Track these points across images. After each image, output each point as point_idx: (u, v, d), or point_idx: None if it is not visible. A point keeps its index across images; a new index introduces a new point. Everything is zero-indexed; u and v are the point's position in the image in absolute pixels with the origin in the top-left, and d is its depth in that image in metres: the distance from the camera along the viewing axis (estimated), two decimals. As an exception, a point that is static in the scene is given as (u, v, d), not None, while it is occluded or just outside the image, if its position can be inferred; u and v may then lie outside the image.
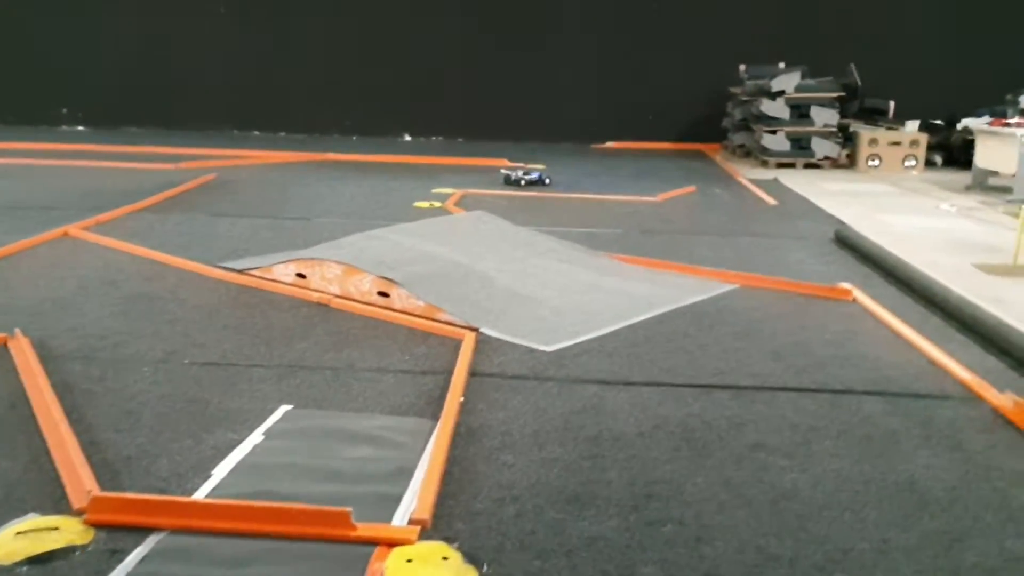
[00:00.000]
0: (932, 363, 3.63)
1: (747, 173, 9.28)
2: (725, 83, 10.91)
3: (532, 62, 11.46)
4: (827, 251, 5.73)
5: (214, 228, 5.93)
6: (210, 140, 10.65)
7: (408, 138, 11.79)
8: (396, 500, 2.42)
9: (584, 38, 11.36)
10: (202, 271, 4.74)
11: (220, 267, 4.79)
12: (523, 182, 8.10)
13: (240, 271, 4.71)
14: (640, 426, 2.96)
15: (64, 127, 11.93)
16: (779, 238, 6.12)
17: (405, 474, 2.55)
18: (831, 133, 9.75)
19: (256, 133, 11.81)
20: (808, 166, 9.78)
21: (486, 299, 4.22)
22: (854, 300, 4.56)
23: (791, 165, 9.75)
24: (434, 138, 11.78)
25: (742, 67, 10.59)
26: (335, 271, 4.36)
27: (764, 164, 9.79)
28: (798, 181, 8.76)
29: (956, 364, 3.57)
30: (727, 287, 4.76)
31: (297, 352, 3.57)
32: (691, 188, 8.11)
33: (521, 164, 9.30)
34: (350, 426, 2.88)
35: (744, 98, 10.37)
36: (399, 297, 4.14)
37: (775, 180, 8.81)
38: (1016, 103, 9.34)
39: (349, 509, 2.25)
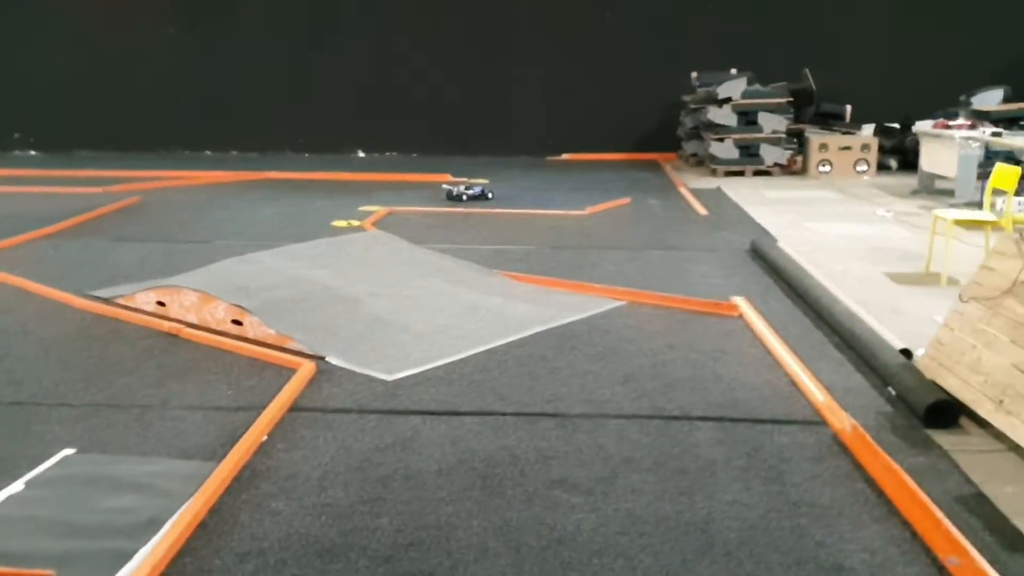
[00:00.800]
0: (792, 384, 3.43)
1: (691, 183, 9.09)
2: (680, 91, 10.72)
3: (485, 76, 11.30)
4: (738, 263, 5.53)
5: (108, 254, 5.76)
6: (159, 161, 10.50)
7: (362, 155, 11.63)
8: (127, 558, 2.23)
9: (537, 50, 11.19)
10: (68, 301, 4.57)
11: (87, 296, 4.61)
12: (465, 197, 7.92)
13: (105, 300, 4.54)
14: (442, 462, 2.77)
15: (16, 152, 11.80)
16: (693, 251, 5.92)
17: (154, 527, 2.37)
18: (780, 139, 9.55)
19: (208, 153, 11.66)
20: (758, 173, 9.57)
21: (345, 325, 4.04)
22: (740, 316, 4.35)
23: (740, 173, 9.55)
24: (388, 154, 11.62)
25: (694, 74, 10.40)
26: (192, 299, 4.18)
27: (713, 172, 9.59)
28: (741, 190, 8.56)
29: (815, 385, 3.37)
30: (613, 304, 4.57)
31: (115, 389, 3.39)
32: (626, 200, 7.92)
33: (464, 179, 9.13)
34: (122, 473, 2.69)
35: (694, 106, 10.18)
36: (252, 325, 3.96)
37: (717, 189, 8.61)
38: (969, 104, 9.11)
39: (51, 573, 2.06)
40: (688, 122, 10.42)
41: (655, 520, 2.42)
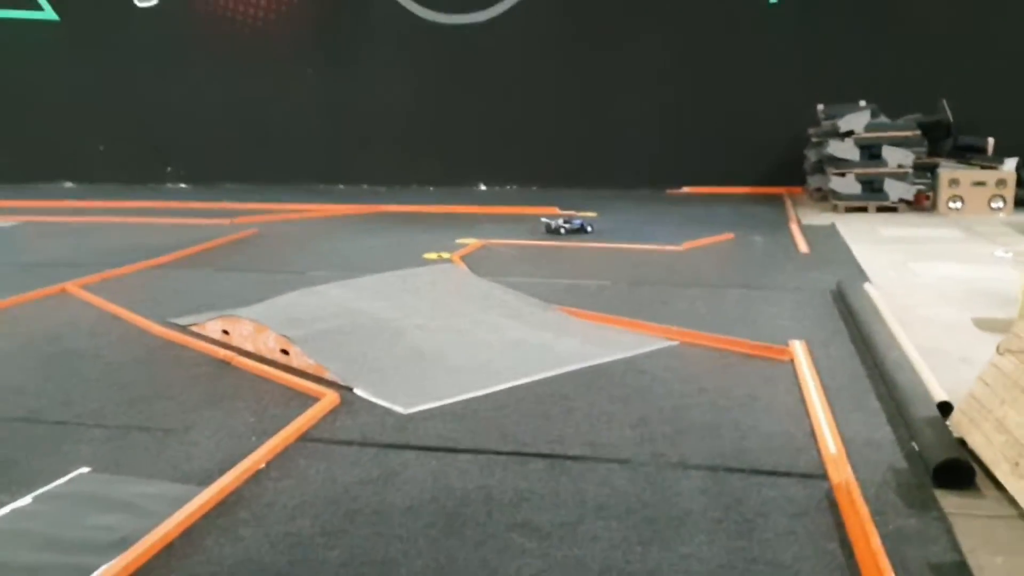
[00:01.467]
0: (811, 434, 3.28)
1: (807, 218, 8.78)
2: (809, 123, 10.41)
3: (607, 107, 11.32)
4: (817, 305, 5.31)
5: (208, 283, 6.13)
6: (292, 194, 11.04)
7: (483, 188, 11.86)
8: (87, 574, 2.38)
9: (661, 80, 11.12)
10: (147, 327, 4.89)
11: (167, 323, 4.93)
12: (563, 231, 7.97)
13: (181, 327, 4.83)
14: (415, 499, 2.82)
15: (168, 184, 12.70)
16: (775, 290, 5.73)
17: (121, 546, 2.52)
18: (907, 174, 9.09)
19: (340, 187, 12.19)
20: (882, 209, 9.14)
21: (385, 356, 4.16)
22: (791, 361, 4.19)
23: (863, 209, 9.15)
24: (508, 187, 11.80)
25: (820, 107, 10.07)
26: (248, 328, 4.40)
27: (834, 208, 9.24)
28: (857, 227, 8.21)
29: (833, 436, 3.22)
30: (664, 344, 4.50)
31: (151, 412, 3.62)
32: (728, 236, 7.74)
33: (571, 212, 9.18)
34: (118, 492, 2.88)
35: (816, 139, 9.85)
36: (296, 355, 4.13)
37: (831, 226, 8.28)
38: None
39: (3, 580, 2.24)
40: (811, 156, 10.09)
41: (599, 570, 2.38)
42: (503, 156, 11.69)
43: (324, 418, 3.50)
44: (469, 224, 8.65)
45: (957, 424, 3.16)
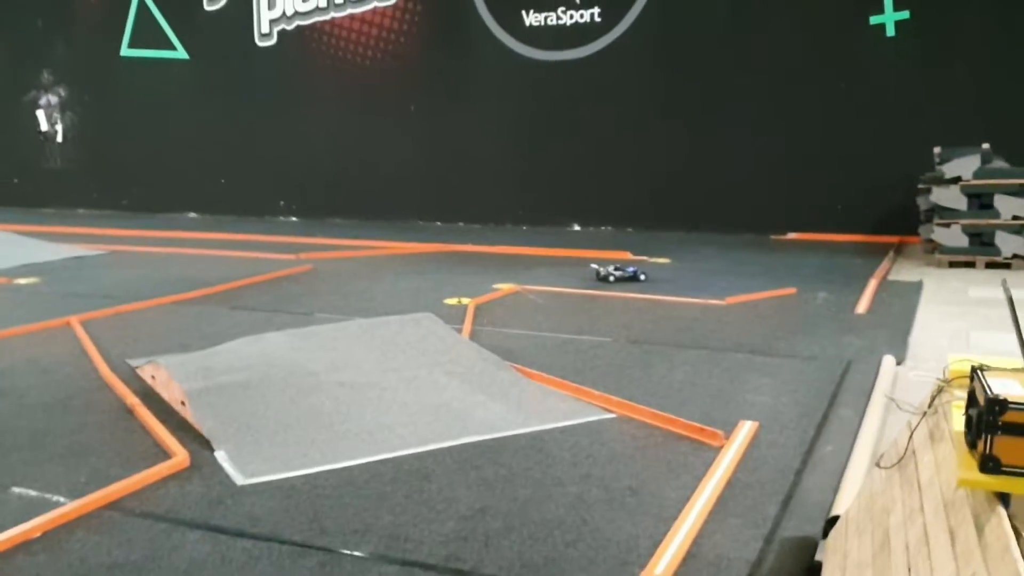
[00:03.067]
0: (658, 543, 2.76)
1: (899, 273, 7.89)
2: (928, 167, 9.43)
3: (711, 145, 10.69)
4: (816, 379, 4.64)
5: (210, 321, 6.11)
6: (388, 231, 11.07)
7: (576, 228, 11.47)
8: None
9: (769, 117, 10.39)
10: (101, 367, 4.85)
11: (124, 363, 4.88)
12: (612, 279, 7.51)
13: (133, 368, 4.77)
14: (142, 591, 2.52)
15: (280, 218, 13.06)
16: (785, 358, 5.07)
17: None
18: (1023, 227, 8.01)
19: (437, 224, 12.13)
20: (992, 265, 8.08)
21: (276, 415, 3.91)
22: (720, 447, 3.62)
23: (970, 264, 8.13)
24: (603, 228, 11.35)
25: (936, 150, 9.08)
26: (164, 376, 4.26)
27: (938, 263, 8.25)
28: (949, 284, 7.28)
29: (681, 549, 2.68)
30: (599, 416, 4.03)
31: (15, 458, 3.52)
32: (790, 291, 7.03)
33: (642, 258, 8.70)
34: None
35: (922, 186, 8.88)
36: (186, 408, 3.95)
37: (918, 283, 7.38)
38: None
39: None
40: (921, 204, 9.10)
41: None
42: (599, 196, 11.28)
43: (154, 484, 3.27)
44: (526, 267, 8.32)
45: (826, 546, 2.56)
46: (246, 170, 13.16)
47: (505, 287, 7.26)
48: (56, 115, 14.21)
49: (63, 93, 14.23)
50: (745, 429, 3.79)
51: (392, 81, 12.16)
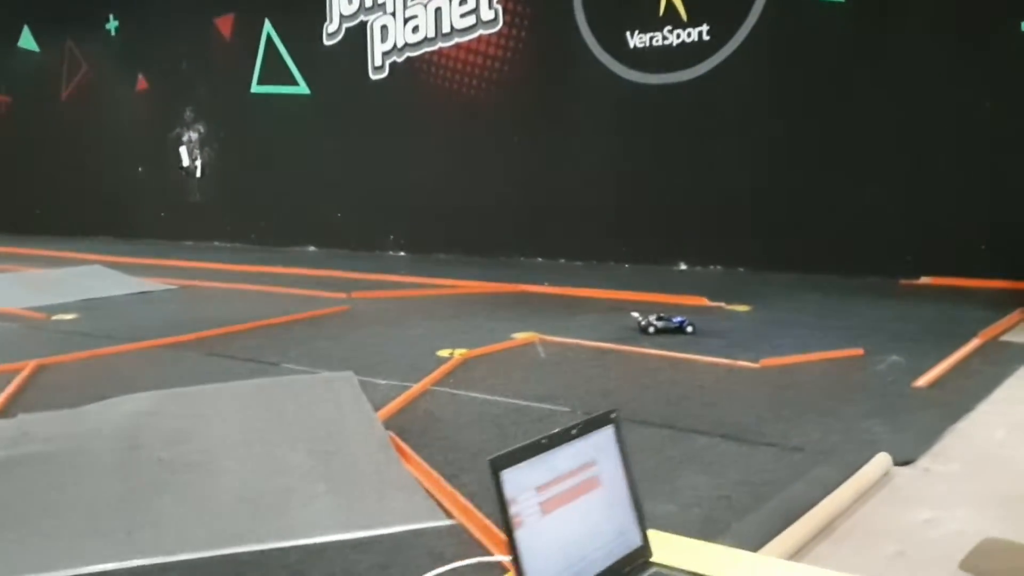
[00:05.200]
0: None
1: (1022, 332, 6.37)
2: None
3: (834, 174, 9.32)
4: (778, 477, 3.54)
5: (173, 369, 5.68)
6: (484, 268, 10.46)
7: (683, 267, 10.36)
8: None
9: (902, 144, 8.94)
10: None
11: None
12: (652, 330, 6.52)
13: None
14: None
15: (390, 253, 12.76)
16: (765, 447, 3.97)
17: None
18: None
19: (539, 260, 11.38)
20: None
21: (40, 500, 3.33)
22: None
23: None
24: (711, 268, 10.18)
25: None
26: (-14, 438, 3.81)
27: (1085, 319, 6.63)
28: (1074, 351, 5.76)
29: None
30: (437, 523, 3.17)
31: None
32: (857, 351, 5.77)
33: (722, 303, 7.63)
34: None
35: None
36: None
37: (1032, 346, 5.89)
38: None
39: None
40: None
41: None
42: (709, 232, 10.17)
43: None
44: (575, 312, 7.45)
45: None
46: (359, 204, 13.01)
47: (523, 336, 6.44)
48: (196, 151, 14.67)
49: (202, 130, 14.68)
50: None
51: (496, 111, 11.60)
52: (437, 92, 11.99)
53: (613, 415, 1.31)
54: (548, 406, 4.65)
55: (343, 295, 8.49)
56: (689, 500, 3.35)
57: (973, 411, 4.48)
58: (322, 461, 3.66)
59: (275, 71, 13.59)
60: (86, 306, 8.26)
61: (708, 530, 3.05)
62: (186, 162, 14.83)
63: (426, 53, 12.06)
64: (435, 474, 3.59)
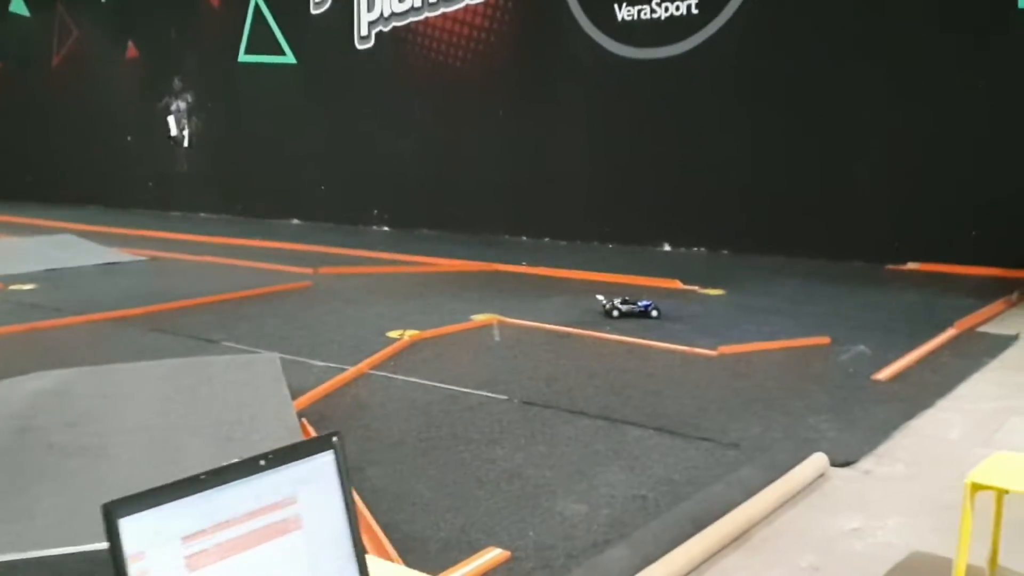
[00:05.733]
0: None
1: (1001, 322, 6.10)
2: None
3: (822, 155, 9.00)
4: (703, 476, 3.31)
5: (111, 345, 5.49)
6: (467, 246, 10.17)
7: (667, 248, 10.08)
8: None
9: (894, 124, 8.60)
10: None
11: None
12: (616, 313, 6.28)
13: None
14: None
15: (373, 227, 12.51)
16: (698, 441, 3.75)
17: None
18: None
19: (523, 239, 11.12)
20: None
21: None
22: None
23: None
24: (695, 249, 9.89)
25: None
26: None
27: (1071, 310, 6.35)
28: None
29: None
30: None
31: None
32: (822, 340, 5.52)
33: (696, 287, 7.40)
34: None
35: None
36: None
37: (1013, 337, 5.62)
38: None
39: None
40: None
41: None
42: (694, 214, 9.88)
43: None
44: (545, 293, 7.23)
45: None
46: (343, 177, 12.76)
47: (482, 318, 6.21)
48: (184, 121, 14.44)
49: (190, 99, 14.44)
50: (481, 561, 2.60)
51: (481, 83, 11.30)
52: (422, 62, 11.70)
53: (334, 438, 1.07)
54: (485, 393, 4.43)
55: (310, 270, 8.26)
56: (602, 500, 3.12)
57: (932, 407, 4.24)
58: (221, 448, 3.45)
59: (263, 40, 13.31)
60: (48, 276, 8.07)
61: (612, 534, 2.84)
62: (174, 131, 14.60)
63: (412, 22, 11.75)
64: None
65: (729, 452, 3.61)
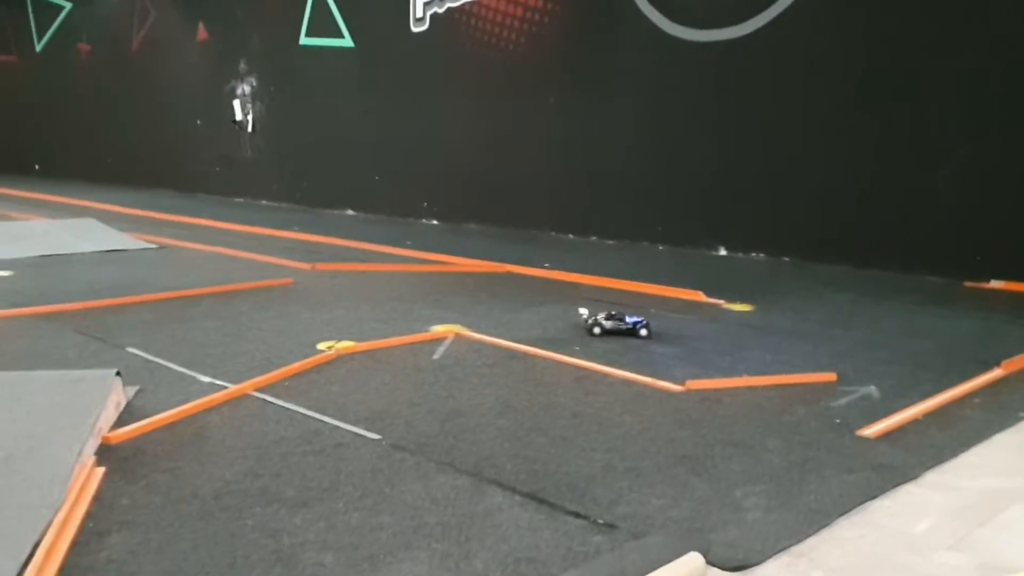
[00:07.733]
0: None
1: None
2: None
3: (903, 152, 7.78)
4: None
5: (32, 344, 4.99)
6: (502, 242, 9.47)
7: (723, 252, 8.99)
8: None
9: (984, 121, 7.33)
10: None
11: None
12: (597, 331, 5.40)
13: None
14: None
15: (423, 221, 11.87)
16: (575, 519, 2.88)
17: None
18: None
19: (570, 237, 10.23)
20: None
21: None
22: None
23: None
24: (753, 255, 8.77)
25: None
26: None
27: None
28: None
29: None
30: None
31: None
32: (829, 376, 4.51)
33: (722, 300, 6.44)
34: None
35: None
36: None
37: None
38: None
39: None
40: None
41: None
42: (754, 216, 8.80)
43: None
44: (539, 303, 6.39)
45: None
46: (395, 168, 12.19)
47: (442, 329, 5.45)
48: (248, 105, 14.16)
49: (255, 83, 14.15)
50: None
51: (533, 69, 10.47)
52: (476, 45, 10.95)
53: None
54: (358, 430, 3.66)
55: (307, 266, 7.67)
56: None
57: (913, 481, 3.23)
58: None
59: (322, 23, 12.84)
60: (36, 263, 7.75)
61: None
62: (239, 115, 14.33)
63: (467, 4, 11.02)
64: (64, 540, 2.65)
65: (595, 538, 2.73)
